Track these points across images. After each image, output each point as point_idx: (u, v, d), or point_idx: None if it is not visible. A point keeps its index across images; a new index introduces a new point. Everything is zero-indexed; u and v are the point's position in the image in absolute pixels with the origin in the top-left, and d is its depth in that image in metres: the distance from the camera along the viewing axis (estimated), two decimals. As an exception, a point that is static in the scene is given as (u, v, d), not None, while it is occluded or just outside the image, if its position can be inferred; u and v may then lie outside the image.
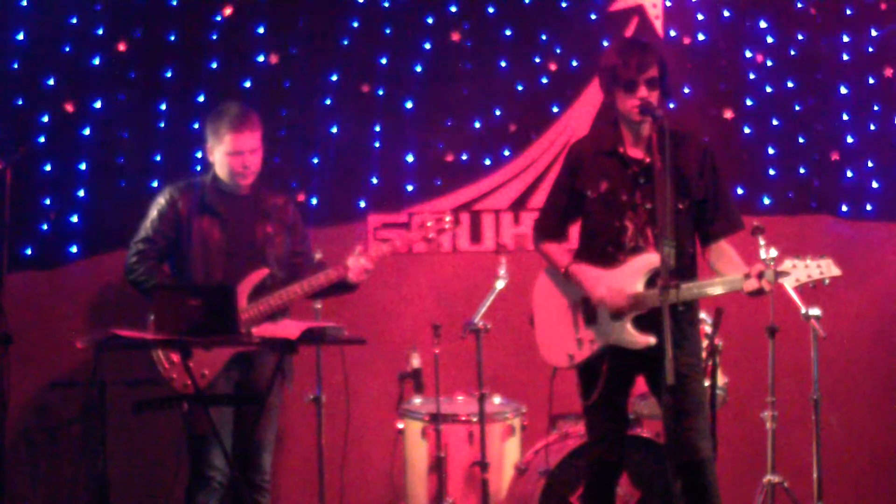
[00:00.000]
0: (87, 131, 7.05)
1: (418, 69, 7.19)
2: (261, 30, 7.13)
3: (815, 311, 6.08)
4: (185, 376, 5.60)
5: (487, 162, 7.23)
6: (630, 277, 5.15)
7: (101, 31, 7.06)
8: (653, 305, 5.03)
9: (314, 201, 7.12)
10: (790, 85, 7.31)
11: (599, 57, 5.47)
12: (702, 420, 5.17)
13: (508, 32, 7.23)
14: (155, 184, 6.93)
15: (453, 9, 7.21)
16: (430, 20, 7.20)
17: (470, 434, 6.31)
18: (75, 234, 7.04)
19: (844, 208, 7.32)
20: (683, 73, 7.12)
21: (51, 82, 7.01)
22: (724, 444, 5.84)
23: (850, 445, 7.17)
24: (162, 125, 7.08)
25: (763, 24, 7.30)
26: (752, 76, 7.30)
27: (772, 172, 7.29)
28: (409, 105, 7.19)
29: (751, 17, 7.28)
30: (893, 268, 7.26)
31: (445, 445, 6.27)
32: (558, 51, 7.25)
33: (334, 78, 7.15)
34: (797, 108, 7.32)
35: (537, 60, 7.24)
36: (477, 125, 7.23)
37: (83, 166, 7.04)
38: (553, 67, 7.24)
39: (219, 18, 7.11)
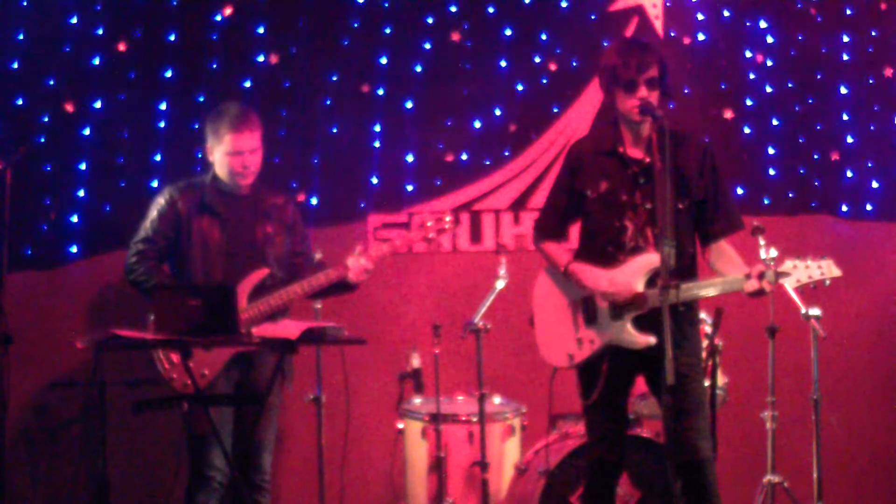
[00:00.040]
0: (87, 131, 7.05)
1: (418, 69, 7.19)
2: (261, 30, 7.13)
3: (815, 312, 6.08)
4: (185, 376, 5.61)
5: (487, 162, 7.23)
6: (630, 277, 5.14)
7: (101, 31, 7.06)
8: (653, 305, 5.03)
9: (314, 201, 7.12)
10: (790, 85, 7.30)
11: (599, 57, 5.45)
12: (702, 420, 5.16)
13: (508, 32, 7.23)
14: (155, 184, 6.94)
15: (453, 9, 7.21)
16: (430, 20, 7.20)
17: (470, 434, 6.30)
18: (75, 234, 7.03)
19: (844, 208, 7.32)
20: (683, 73, 7.11)
21: (51, 82, 7.01)
22: (724, 444, 5.84)
23: (850, 445, 7.17)
24: (162, 125, 7.08)
25: (763, 24, 7.29)
26: (752, 76, 7.30)
27: (772, 172, 7.29)
28: (409, 105, 7.19)
29: (751, 17, 7.27)
30: (893, 268, 7.26)
31: (445, 445, 6.26)
32: (558, 51, 7.24)
33: (334, 78, 7.15)
34: (797, 108, 7.32)
35: (537, 60, 7.23)
36: (477, 125, 7.23)
37: (83, 166, 7.04)
38: (553, 67, 7.24)
39: (219, 18, 7.11)
